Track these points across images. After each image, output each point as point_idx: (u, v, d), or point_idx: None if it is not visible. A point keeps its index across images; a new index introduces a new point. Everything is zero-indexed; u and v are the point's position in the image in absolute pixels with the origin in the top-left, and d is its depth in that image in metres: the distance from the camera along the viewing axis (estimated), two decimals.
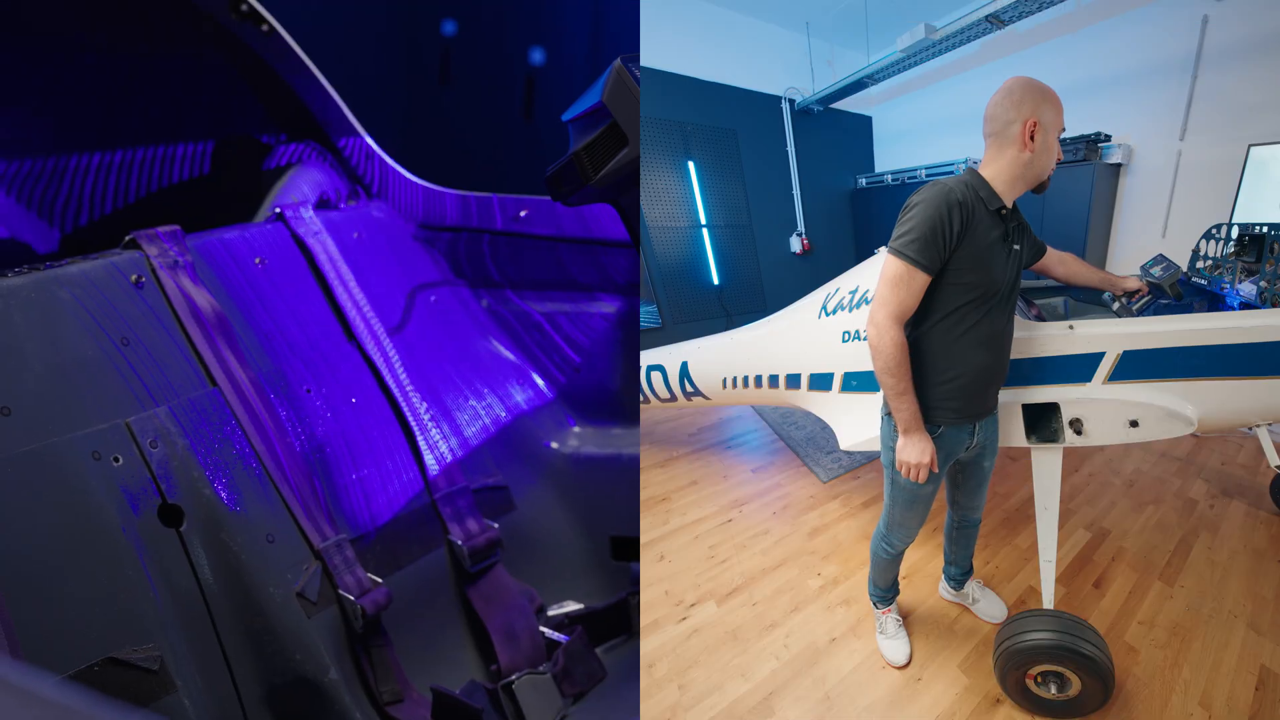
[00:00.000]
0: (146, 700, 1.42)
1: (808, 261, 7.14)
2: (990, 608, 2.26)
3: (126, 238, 1.78)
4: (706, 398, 3.22)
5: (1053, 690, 1.81)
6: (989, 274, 1.61)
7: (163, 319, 1.73)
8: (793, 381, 2.61)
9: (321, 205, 2.19)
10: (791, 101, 6.93)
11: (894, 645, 2.12)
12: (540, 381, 2.26)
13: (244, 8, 2.02)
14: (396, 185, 2.27)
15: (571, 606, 2.08)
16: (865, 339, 1.76)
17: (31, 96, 1.93)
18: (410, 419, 2.02)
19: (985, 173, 1.64)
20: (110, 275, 1.68)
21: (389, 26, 3.81)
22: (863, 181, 7.45)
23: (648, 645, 2.23)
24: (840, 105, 7.20)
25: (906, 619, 2.25)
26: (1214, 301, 2.15)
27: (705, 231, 6.48)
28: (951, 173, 4.80)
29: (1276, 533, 2.69)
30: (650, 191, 5.99)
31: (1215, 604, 2.26)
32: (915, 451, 1.67)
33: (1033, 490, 1.93)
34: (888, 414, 1.74)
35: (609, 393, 2.23)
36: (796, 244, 7.16)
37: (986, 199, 1.60)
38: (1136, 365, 1.78)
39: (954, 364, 1.66)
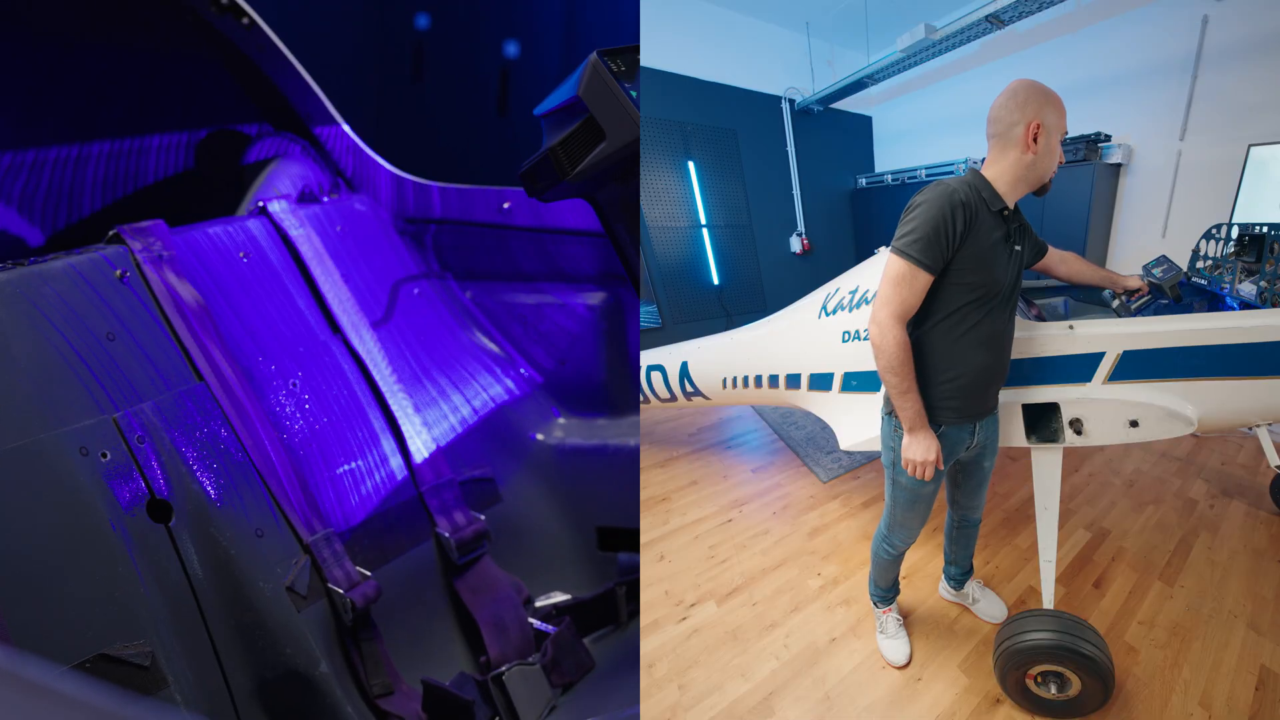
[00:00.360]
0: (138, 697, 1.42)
1: (808, 261, 7.14)
2: (990, 608, 2.26)
3: (110, 232, 1.78)
4: (706, 398, 3.22)
5: (1053, 690, 1.81)
6: (991, 274, 1.61)
7: (148, 313, 1.73)
8: (793, 381, 2.61)
9: (304, 198, 2.19)
10: (791, 101, 6.93)
11: (894, 645, 2.12)
12: (525, 373, 2.26)
13: (225, 1, 2.02)
14: (379, 178, 2.27)
15: (559, 597, 2.09)
16: (865, 339, 1.76)
17: (6, 89, 1.93)
18: (396, 412, 2.02)
19: (988, 174, 1.64)
20: (94, 270, 1.68)
21: (362, 19, 3.81)
22: (863, 181, 7.45)
23: (648, 645, 2.23)
24: (840, 105, 7.20)
25: (906, 619, 2.25)
26: (1213, 302, 2.15)
27: (705, 231, 6.48)
28: (952, 173, 4.81)
29: (1276, 533, 2.69)
30: (650, 191, 5.99)
31: (1215, 604, 2.26)
32: (921, 449, 1.67)
33: (1033, 490, 1.93)
34: (888, 413, 1.74)
35: (594, 384, 2.24)
36: (796, 244, 7.16)
37: (989, 200, 1.61)
38: (1136, 365, 1.78)
39: (955, 364, 1.67)
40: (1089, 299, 2.22)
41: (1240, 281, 2.07)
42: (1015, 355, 1.85)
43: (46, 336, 1.56)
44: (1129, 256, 4.67)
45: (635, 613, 2.11)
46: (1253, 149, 3.47)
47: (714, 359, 3.11)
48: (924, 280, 1.58)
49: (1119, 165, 4.61)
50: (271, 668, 1.62)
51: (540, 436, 2.22)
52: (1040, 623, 1.78)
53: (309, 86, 2.21)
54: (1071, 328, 1.83)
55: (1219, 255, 2.23)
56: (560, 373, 2.25)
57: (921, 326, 1.67)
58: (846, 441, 2.30)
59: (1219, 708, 1.85)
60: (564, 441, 2.22)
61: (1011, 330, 1.76)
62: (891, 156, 7.59)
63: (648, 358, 3.44)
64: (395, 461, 1.99)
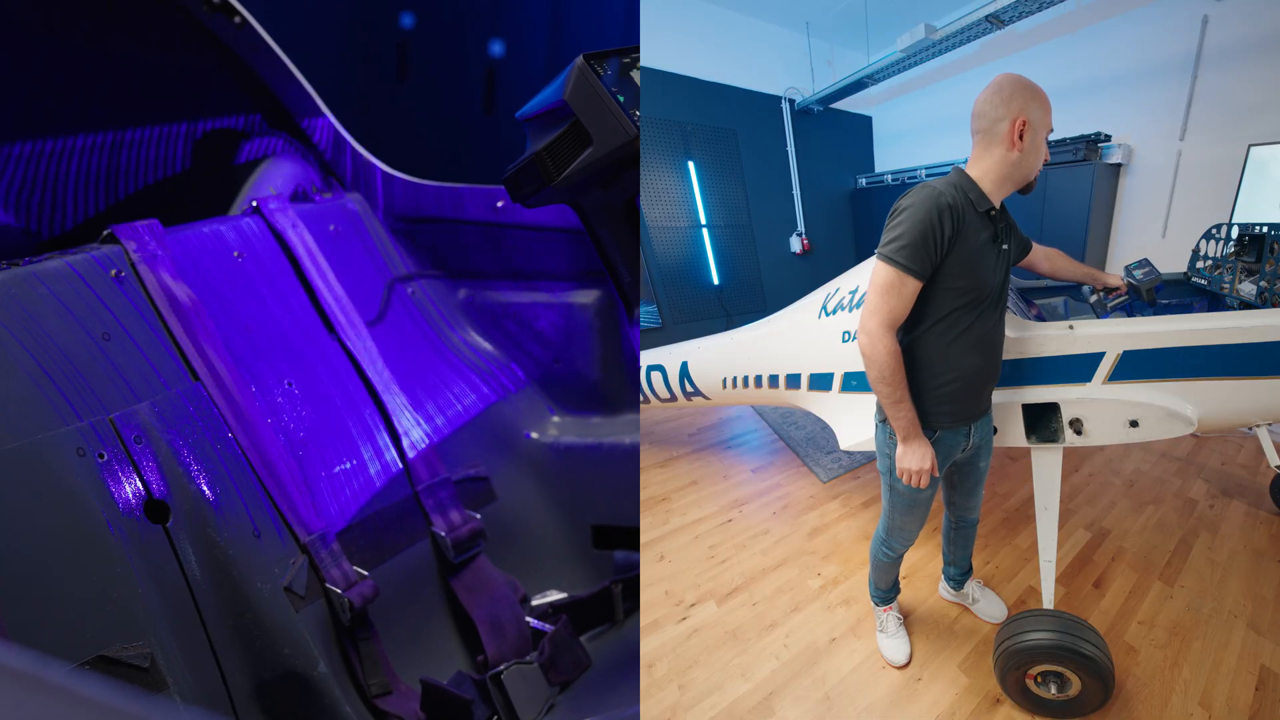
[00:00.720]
0: None
1: (808, 261, 7.14)
2: (990, 608, 2.26)
3: (104, 232, 1.77)
4: (706, 398, 3.22)
5: (1053, 690, 1.81)
6: (980, 277, 1.59)
7: (143, 313, 1.72)
8: (793, 381, 2.61)
9: (297, 198, 2.19)
10: (791, 101, 6.93)
11: (894, 644, 2.12)
12: (519, 372, 2.26)
13: (216, 0, 2.02)
14: (372, 177, 2.27)
15: (555, 596, 2.09)
16: None
17: None
18: (391, 411, 2.02)
19: (973, 172, 1.61)
20: (89, 270, 1.68)
21: (349, 18, 3.81)
22: (863, 181, 7.45)
23: (647, 645, 2.23)
24: (840, 105, 7.21)
25: (906, 619, 2.25)
26: (1213, 303, 2.15)
27: (705, 231, 6.49)
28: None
29: (1276, 533, 2.69)
30: (650, 191, 5.99)
31: (1215, 604, 2.26)
32: (916, 458, 1.65)
33: (1033, 490, 1.93)
34: (882, 420, 1.73)
35: (588, 382, 2.23)
36: (796, 244, 7.16)
37: (975, 201, 1.57)
38: (1136, 365, 1.78)
39: (948, 369, 1.65)
40: (1074, 295, 2.23)
41: (1240, 281, 2.07)
42: (1016, 355, 1.84)
43: (42, 337, 1.55)
44: (1129, 256, 4.63)
45: (633, 611, 2.10)
46: (1253, 149, 3.47)
47: (714, 359, 3.11)
48: (913, 287, 1.54)
49: (1119, 165, 4.61)
50: (270, 668, 1.62)
51: (535, 435, 2.22)
52: (1040, 623, 1.77)
53: (301, 85, 2.21)
54: (1071, 328, 1.83)
55: (1219, 255, 2.23)
56: (555, 371, 2.25)
57: (912, 333, 1.64)
58: (846, 441, 2.30)
59: (1219, 708, 1.85)
60: (559, 440, 2.22)
61: (1002, 330, 1.74)
62: (891, 156, 7.59)
63: (648, 358, 3.44)
64: (391, 460, 1.99)
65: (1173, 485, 3.13)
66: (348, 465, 1.91)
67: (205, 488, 1.65)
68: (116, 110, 2.13)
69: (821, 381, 2.45)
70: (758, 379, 2.83)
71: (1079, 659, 1.72)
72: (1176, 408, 1.76)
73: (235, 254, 1.95)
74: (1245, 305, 2.01)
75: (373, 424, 1.99)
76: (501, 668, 1.81)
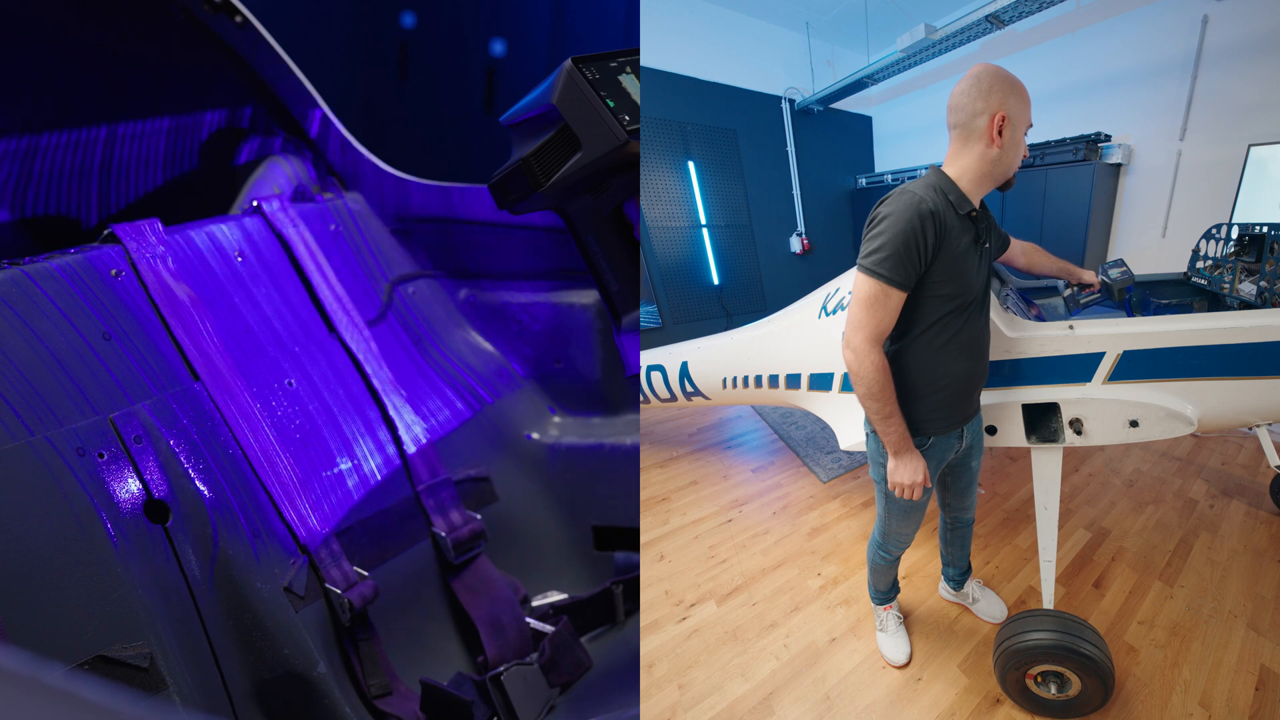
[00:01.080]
0: None
1: (808, 261, 7.15)
2: (990, 608, 2.26)
3: (105, 231, 1.77)
4: (706, 398, 3.22)
5: (1053, 690, 1.81)
6: (966, 281, 1.55)
7: (144, 313, 1.72)
8: (793, 381, 2.61)
9: (298, 197, 2.18)
10: (791, 101, 6.93)
11: (894, 643, 2.12)
12: (520, 372, 2.26)
13: (217, 0, 2.02)
14: (373, 177, 2.26)
15: (556, 597, 2.08)
16: None
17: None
18: (392, 411, 2.02)
19: (951, 171, 1.56)
20: (89, 269, 1.67)
21: (350, 17, 3.81)
22: (863, 181, 7.45)
23: (648, 645, 2.23)
24: (840, 105, 7.21)
25: (906, 619, 2.25)
26: (1212, 303, 2.15)
27: (705, 231, 6.49)
28: None
29: (1276, 533, 2.69)
30: (650, 191, 5.99)
31: (1215, 604, 2.26)
32: (908, 472, 1.62)
33: (1033, 490, 1.93)
34: (873, 430, 1.70)
35: (589, 382, 2.23)
36: (796, 244, 7.16)
37: (956, 203, 1.52)
38: (1136, 365, 1.78)
39: (939, 375, 1.62)
40: (1047, 289, 2.25)
41: (1240, 281, 2.07)
42: (1016, 355, 1.84)
43: (42, 336, 1.55)
44: (1128, 256, 4.65)
45: (633, 612, 2.10)
46: (1253, 149, 3.48)
47: (714, 359, 3.11)
48: (898, 299, 1.49)
49: (1119, 165, 4.61)
50: (269, 668, 1.62)
51: (536, 435, 2.22)
52: (1040, 623, 1.77)
53: (302, 85, 2.21)
54: (1071, 328, 1.83)
55: (1219, 255, 2.23)
56: (555, 372, 2.25)
57: (899, 341, 1.60)
58: (846, 441, 2.30)
59: (1219, 708, 1.85)
60: (560, 440, 2.22)
61: (988, 330, 1.72)
62: (891, 156, 7.59)
63: (648, 358, 3.44)
64: (391, 460, 1.99)
65: (1173, 485, 3.13)
66: (348, 465, 1.91)
67: (205, 488, 1.64)
68: (118, 109, 2.14)
69: (821, 381, 2.45)
70: (758, 379, 2.83)
71: (1079, 659, 1.72)
72: (1176, 408, 1.76)
73: (236, 254, 1.95)
74: (1245, 305, 2.01)
75: (373, 424, 1.99)
76: (501, 669, 1.81)
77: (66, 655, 1.38)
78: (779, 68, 6.86)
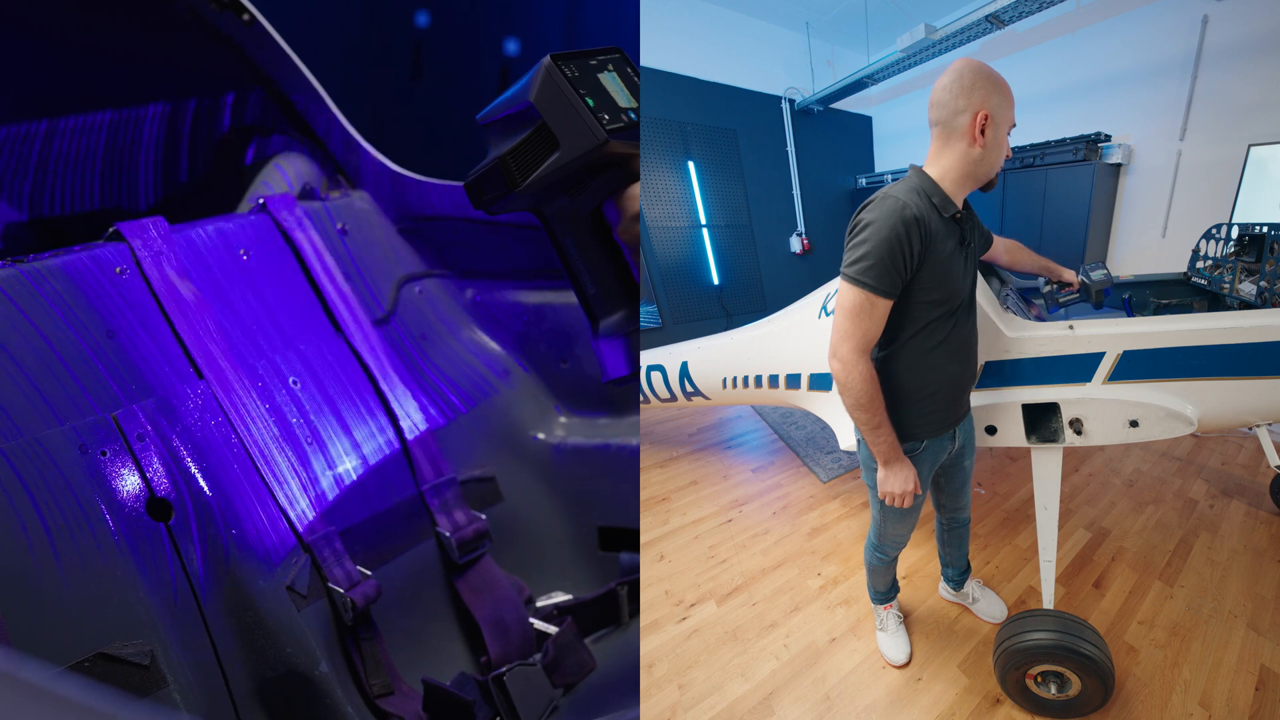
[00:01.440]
0: (138, 696, 1.42)
1: (808, 261, 7.15)
2: (990, 608, 2.26)
3: (110, 229, 1.77)
4: (706, 398, 3.22)
5: (1053, 690, 1.81)
6: (953, 285, 1.53)
7: (148, 311, 1.72)
8: (793, 381, 2.61)
9: (304, 196, 2.18)
10: (791, 101, 6.93)
11: (894, 643, 2.12)
12: (526, 372, 2.26)
13: None
14: (380, 176, 2.26)
15: (560, 597, 2.08)
16: None
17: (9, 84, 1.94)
18: (396, 411, 2.02)
19: (933, 172, 1.53)
20: (94, 267, 1.67)
21: (362, 16, 3.80)
22: (863, 181, 7.45)
23: (648, 645, 2.23)
24: (840, 105, 7.21)
25: (906, 619, 2.25)
26: (1212, 303, 2.15)
27: (705, 231, 6.49)
28: None
29: (1276, 533, 2.69)
30: (650, 191, 5.99)
31: (1215, 604, 2.26)
32: (898, 482, 1.61)
33: (1033, 490, 1.93)
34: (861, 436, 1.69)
35: (596, 382, 2.23)
36: (796, 244, 7.17)
37: (940, 206, 1.49)
38: (1136, 365, 1.78)
39: (929, 380, 1.61)
40: (1027, 286, 2.27)
41: (1240, 281, 2.07)
42: (1016, 355, 1.84)
43: (46, 334, 1.55)
44: (1129, 256, 4.68)
45: (635, 613, 2.10)
46: (1253, 149, 3.48)
47: (714, 359, 3.11)
48: (884, 308, 1.46)
49: (1119, 165, 4.61)
50: (271, 667, 1.62)
51: (542, 435, 2.21)
52: (1040, 623, 1.78)
53: (310, 83, 2.21)
54: (1071, 328, 1.83)
55: (1219, 255, 2.23)
56: (562, 372, 2.25)
57: (888, 348, 1.57)
58: (846, 441, 2.30)
59: (1219, 708, 1.85)
60: (565, 441, 2.21)
61: (976, 332, 1.72)
62: (891, 156, 7.59)
63: (648, 358, 3.44)
64: (396, 459, 1.99)
65: (1173, 485, 3.13)
66: (352, 464, 1.91)
67: (208, 486, 1.64)
68: (123, 108, 2.14)
69: (821, 382, 2.45)
70: (758, 379, 2.83)
71: (1079, 659, 1.72)
72: (1176, 408, 1.76)
73: (241, 252, 1.94)
74: (1245, 305, 2.01)
75: (378, 423, 1.99)
76: (504, 669, 1.81)
77: (67, 652, 1.39)
78: (779, 68, 6.86)
